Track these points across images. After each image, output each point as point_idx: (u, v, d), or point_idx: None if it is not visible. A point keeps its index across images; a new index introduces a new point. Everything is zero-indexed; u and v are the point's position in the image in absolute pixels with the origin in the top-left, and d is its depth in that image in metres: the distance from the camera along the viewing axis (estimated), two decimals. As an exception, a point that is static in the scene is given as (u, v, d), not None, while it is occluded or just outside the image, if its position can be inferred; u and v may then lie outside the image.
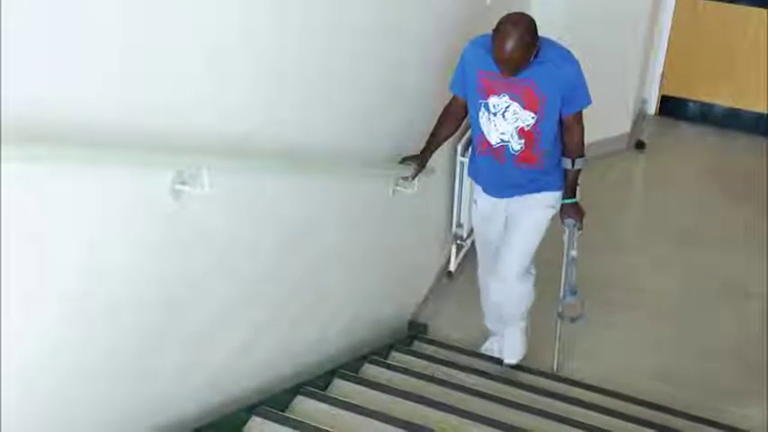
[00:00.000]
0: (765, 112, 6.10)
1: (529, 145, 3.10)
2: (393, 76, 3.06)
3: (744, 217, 5.10)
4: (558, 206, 3.32)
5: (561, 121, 3.08)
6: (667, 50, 6.27)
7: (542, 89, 2.95)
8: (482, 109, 3.09)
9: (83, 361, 1.73)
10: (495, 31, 2.80)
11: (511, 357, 3.65)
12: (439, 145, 3.31)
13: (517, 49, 2.76)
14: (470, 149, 3.48)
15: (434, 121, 3.25)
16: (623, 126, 5.86)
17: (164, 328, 2.00)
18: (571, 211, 3.32)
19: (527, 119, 3.02)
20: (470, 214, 3.75)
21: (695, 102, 6.38)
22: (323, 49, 2.45)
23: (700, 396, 3.61)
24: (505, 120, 3.05)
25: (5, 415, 1.52)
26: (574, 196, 3.30)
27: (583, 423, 2.97)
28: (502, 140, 3.11)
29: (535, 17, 2.84)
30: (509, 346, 3.66)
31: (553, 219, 3.35)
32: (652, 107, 6.49)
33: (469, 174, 3.59)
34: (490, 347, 3.80)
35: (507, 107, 3.02)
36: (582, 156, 3.19)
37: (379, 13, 2.81)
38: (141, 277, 1.84)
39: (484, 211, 3.46)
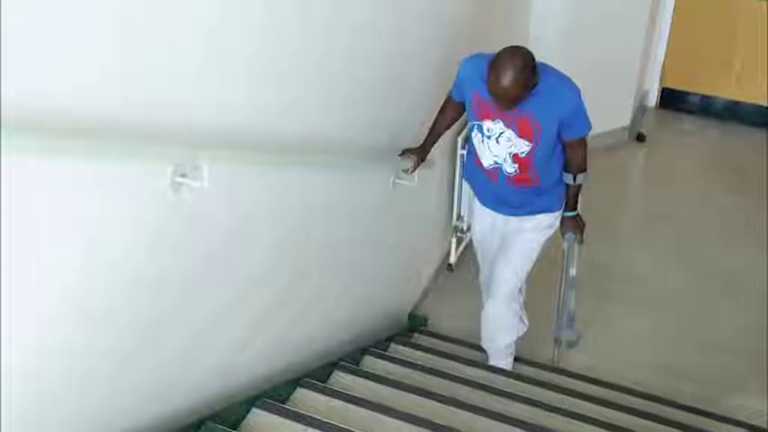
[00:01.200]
0: (766, 104, 6.10)
1: (523, 169, 2.99)
2: (392, 70, 3.05)
3: (744, 209, 5.11)
4: (557, 224, 3.23)
5: (561, 141, 2.97)
6: (668, 43, 6.27)
7: (539, 120, 2.84)
8: (475, 130, 3.00)
9: (82, 357, 1.73)
10: (492, 65, 2.68)
11: None
12: (439, 136, 3.28)
13: (513, 88, 2.65)
14: (467, 151, 3.36)
15: (434, 115, 3.24)
16: (624, 118, 5.86)
17: (163, 323, 2.00)
18: (571, 224, 3.21)
19: (522, 146, 2.91)
20: (469, 211, 3.67)
21: (696, 94, 6.38)
22: (321, 43, 2.44)
23: (699, 388, 3.62)
24: (499, 144, 2.95)
25: (5, 411, 1.52)
26: (575, 209, 3.20)
27: (583, 415, 2.98)
28: (495, 162, 3.02)
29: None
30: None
31: (552, 235, 3.28)
32: (653, 99, 6.49)
33: (465, 177, 3.49)
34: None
35: (501, 133, 2.92)
36: (584, 171, 3.09)
37: (378, 9, 2.80)
38: (141, 271, 1.85)
39: (480, 221, 3.39)
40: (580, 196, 3.20)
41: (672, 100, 6.44)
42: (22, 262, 1.46)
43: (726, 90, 6.27)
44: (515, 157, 2.96)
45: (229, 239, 2.20)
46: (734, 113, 6.26)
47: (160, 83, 1.72)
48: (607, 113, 5.47)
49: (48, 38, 1.38)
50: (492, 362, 3.58)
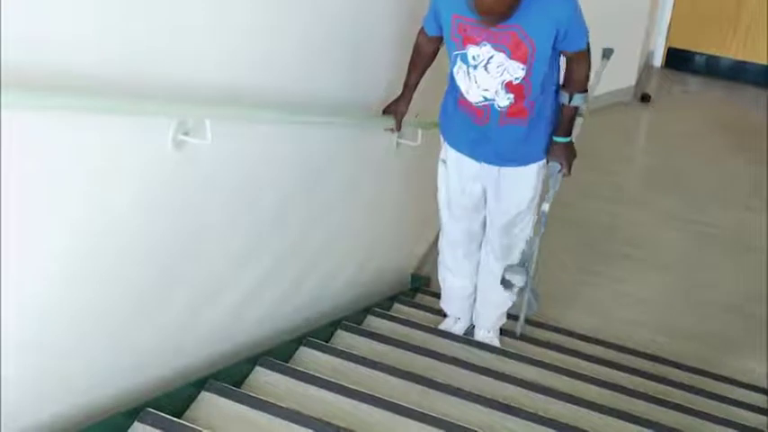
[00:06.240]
0: (772, 64, 6.07)
1: (519, 97, 2.55)
2: (394, 25, 3.02)
3: (748, 170, 5.09)
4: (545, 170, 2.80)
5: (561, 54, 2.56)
6: (674, 2, 6.21)
7: (531, 35, 2.39)
8: (458, 62, 2.55)
9: (83, 317, 1.73)
10: None
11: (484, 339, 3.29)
12: (416, 86, 2.88)
13: (502, 1, 2.24)
14: (444, 97, 2.84)
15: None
16: (629, 78, 5.83)
17: (167, 282, 2.00)
18: (560, 151, 2.72)
19: (515, 71, 2.47)
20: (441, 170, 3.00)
21: (701, 54, 6.33)
22: (324, 4, 2.42)
23: (700, 349, 3.63)
24: (489, 73, 2.50)
25: (5, 367, 1.52)
26: (568, 135, 2.72)
27: (586, 375, 2.99)
28: (485, 98, 2.58)
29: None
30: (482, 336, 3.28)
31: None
32: (658, 59, 6.44)
33: (440, 127, 2.91)
34: (448, 327, 3.36)
35: (490, 58, 2.46)
36: (584, 91, 2.65)
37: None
38: (144, 230, 1.84)
39: (455, 173, 2.89)
40: (576, 128, 2.78)
41: (677, 60, 6.40)
42: (24, 221, 1.45)
43: (731, 50, 6.23)
44: (509, 86, 2.53)
45: (233, 198, 2.19)
46: (739, 73, 6.22)
47: (162, 39, 1.69)
48: (612, 73, 5.41)
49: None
50: (479, 335, 3.30)
